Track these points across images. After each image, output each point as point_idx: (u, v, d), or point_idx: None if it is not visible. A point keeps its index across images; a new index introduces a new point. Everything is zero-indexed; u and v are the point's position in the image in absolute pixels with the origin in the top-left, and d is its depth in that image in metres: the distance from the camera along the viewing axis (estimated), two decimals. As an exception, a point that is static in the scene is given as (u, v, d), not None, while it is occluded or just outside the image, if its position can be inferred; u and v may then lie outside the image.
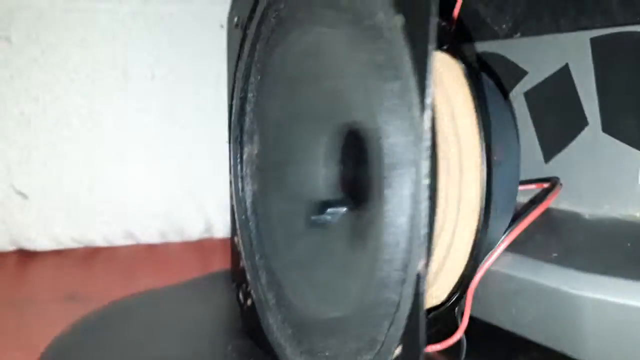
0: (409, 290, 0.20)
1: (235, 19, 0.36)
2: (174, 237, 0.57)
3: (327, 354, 0.29)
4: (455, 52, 0.24)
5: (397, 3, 0.20)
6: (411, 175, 0.21)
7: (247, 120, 0.37)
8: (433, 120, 0.19)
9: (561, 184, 0.36)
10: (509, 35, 0.40)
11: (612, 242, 0.31)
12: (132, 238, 0.55)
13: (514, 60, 0.39)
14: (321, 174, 0.33)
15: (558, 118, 0.37)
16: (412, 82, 0.20)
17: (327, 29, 0.28)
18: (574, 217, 0.35)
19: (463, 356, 0.33)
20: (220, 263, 0.52)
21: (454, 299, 0.26)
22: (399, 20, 0.20)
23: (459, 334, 0.33)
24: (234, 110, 0.37)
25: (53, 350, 0.34)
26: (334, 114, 0.30)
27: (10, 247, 0.52)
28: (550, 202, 0.34)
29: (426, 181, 0.19)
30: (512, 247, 0.32)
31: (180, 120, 0.52)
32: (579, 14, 0.35)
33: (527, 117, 0.39)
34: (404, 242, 0.21)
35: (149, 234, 0.56)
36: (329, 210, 0.32)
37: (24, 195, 0.48)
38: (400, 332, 0.21)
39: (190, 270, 0.51)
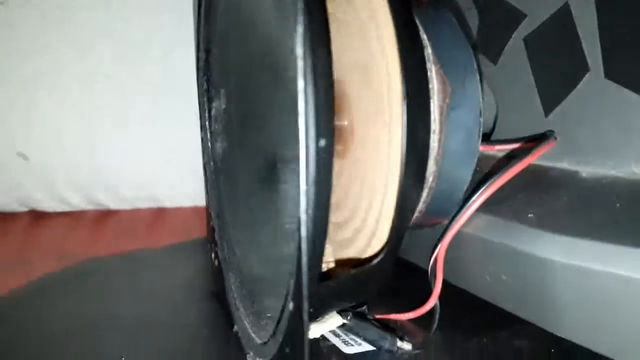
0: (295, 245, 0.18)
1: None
2: (183, 202, 0.57)
3: (269, 315, 0.27)
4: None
5: None
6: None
7: (214, 73, 0.35)
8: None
9: (556, 138, 0.32)
10: (512, -26, 0.35)
11: (600, 203, 0.27)
12: (140, 202, 0.55)
13: (513, 2, 0.35)
14: (278, 125, 0.31)
15: (558, 65, 0.33)
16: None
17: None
18: (570, 176, 0.31)
19: (435, 325, 0.31)
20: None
21: (382, 255, 0.23)
22: None
23: (431, 302, 0.30)
24: (200, 63, 0.35)
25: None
26: (276, 60, 0.27)
27: (21, 208, 0.53)
28: (536, 157, 0.30)
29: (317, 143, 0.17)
30: (487, 207, 0.29)
31: (179, 84, 0.51)
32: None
33: (527, 66, 0.35)
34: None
35: (157, 198, 0.55)
36: (279, 165, 0.29)
37: (25, 157, 0.49)
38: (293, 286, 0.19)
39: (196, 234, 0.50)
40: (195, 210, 0.60)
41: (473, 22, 0.38)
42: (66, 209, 0.55)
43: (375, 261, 0.22)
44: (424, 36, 0.24)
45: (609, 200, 0.26)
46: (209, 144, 0.36)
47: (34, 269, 0.41)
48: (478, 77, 0.25)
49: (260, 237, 0.29)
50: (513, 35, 0.35)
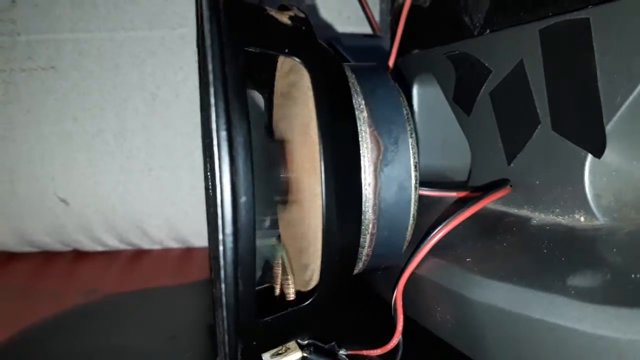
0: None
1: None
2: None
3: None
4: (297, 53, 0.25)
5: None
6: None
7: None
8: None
9: (511, 187, 0.34)
10: (481, 32, 0.38)
11: (531, 248, 0.29)
12: (170, 242, 0.61)
13: (482, 58, 0.38)
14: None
15: (517, 117, 0.35)
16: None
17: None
18: (522, 222, 0.33)
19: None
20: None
21: (315, 294, 0.26)
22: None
23: (395, 340, 0.33)
24: (202, 122, 0.40)
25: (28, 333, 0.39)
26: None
27: (64, 248, 0.60)
28: (486, 203, 0.32)
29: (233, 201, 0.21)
30: (438, 251, 0.31)
31: (198, 136, 0.57)
32: (535, 3, 0.33)
33: (493, 118, 0.37)
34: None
35: (184, 239, 0.61)
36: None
37: (65, 202, 0.56)
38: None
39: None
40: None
41: (450, 76, 0.41)
42: (103, 249, 0.61)
43: (308, 302, 0.26)
44: (361, 101, 0.28)
45: (539, 245, 0.28)
46: (210, 193, 0.41)
47: (65, 302, 0.47)
48: (411, 136, 0.28)
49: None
50: (482, 90, 0.38)
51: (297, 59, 0.25)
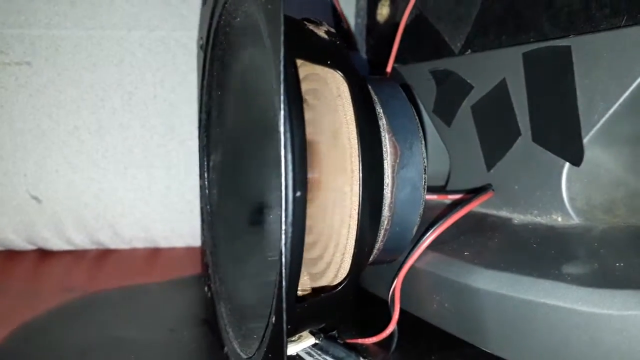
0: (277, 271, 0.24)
1: (200, 42, 0.41)
2: (177, 242, 0.62)
3: (255, 336, 0.33)
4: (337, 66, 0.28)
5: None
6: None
7: (212, 131, 0.41)
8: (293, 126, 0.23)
9: (493, 191, 0.38)
10: (462, 52, 0.43)
11: (523, 244, 0.33)
12: (138, 242, 0.61)
13: (464, 76, 0.42)
14: (267, 177, 0.37)
15: (497, 129, 0.39)
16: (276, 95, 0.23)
17: (255, 49, 0.32)
18: (504, 223, 0.37)
19: (393, 348, 0.36)
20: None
21: (345, 283, 0.29)
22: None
23: (390, 328, 0.36)
24: (201, 123, 0.42)
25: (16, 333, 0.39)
26: (267, 124, 0.34)
27: (29, 246, 0.59)
28: (475, 205, 0.36)
29: (294, 194, 0.23)
30: (435, 246, 0.35)
31: (180, 134, 0.58)
32: (517, 30, 0.38)
33: (474, 129, 0.41)
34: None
35: (153, 239, 0.61)
36: (265, 210, 0.36)
37: (37, 200, 0.55)
38: (274, 304, 0.25)
39: (188, 272, 0.56)
40: (187, 250, 0.65)
41: (431, 89, 0.46)
42: (70, 247, 0.60)
43: (339, 288, 0.28)
44: (379, 110, 0.31)
45: (528, 241, 0.33)
46: (207, 191, 0.42)
47: (42, 301, 0.46)
48: (422, 143, 0.32)
49: (249, 269, 0.34)
50: (463, 103, 0.42)
51: (339, 72, 0.27)
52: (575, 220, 0.34)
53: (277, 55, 0.22)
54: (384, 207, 0.30)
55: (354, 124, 0.27)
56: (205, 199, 0.42)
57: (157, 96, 0.57)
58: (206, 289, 0.42)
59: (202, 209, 0.43)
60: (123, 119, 0.56)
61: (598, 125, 0.32)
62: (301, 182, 0.24)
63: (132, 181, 0.57)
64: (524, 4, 0.37)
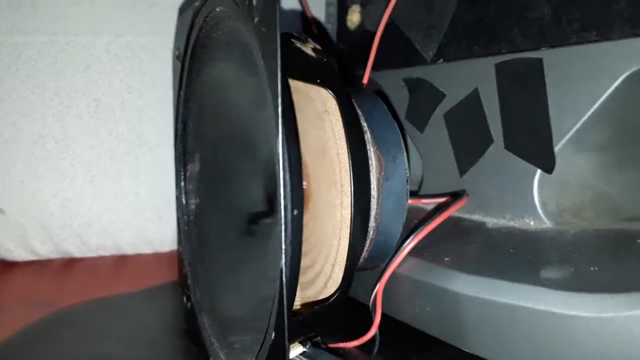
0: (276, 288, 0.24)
1: (176, 52, 0.40)
2: (144, 249, 0.62)
3: (236, 346, 0.33)
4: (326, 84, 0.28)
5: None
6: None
7: (189, 141, 0.41)
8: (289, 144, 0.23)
9: (467, 196, 0.40)
10: (434, 61, 0.44)
11: (499, 248, 0.34)
12: (105, 250, 0.60)
13: (436, 84, 0.43)
14: (251, 189, 0.37)
15: (470, 137, 0.41)
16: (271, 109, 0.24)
17: (235, 63, 0.32)
18: (479, 227, 0.39)
19: (375, 351, 0.37)
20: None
21: (336, 295, 0.29)
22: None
23: (372, 332, 0.37)
24: (177, 133, 0.42)
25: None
26: (247, 137, 0.34)
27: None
28: (452, 211, 0.37)
29: (292, 213, 0.23)
30: (415, 252, 0.36)
31: (148, 141, 0.57)
32: (489, 40, 0.39)
33: (446, 136, 0.43)
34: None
35: (120, 247, 0.60)
36: (251, 222, 0.36)
37: (1, 211, 0.53)
38: (274, 319, 0.25)
39: (159, 279, 0.55)
40: (155, 256, 0.64)
41: (404, 96, 0.47)
42: (33, 257, 0.58)
43: (331, 300, 0.29)
44: (364, 124, 0.32)
45: (505, 245, 0.34)
46: (183, 201, 0.42)
47: (10, 316, 0.45)
48: (404, 154, 0.33)
49: (240, 281, 0.34)
50: (436, 111, 0.44)
51: (329, 91, 0.28)
52: (547, 224, 0.35)
53: (274, 80, 0.23)
54: (370, 218, 0.31)
55: (343, 139, 0.28)
56: (182, 208, 0.42)
57: (125, 102, 0.56)
58: (185, 299, 0.42)
59: (178, 218, 0.43)
60: (90, 126, 0.55)
61: (569, 135, 0.34)
62: (299, 201, 0.24)
63: (99, 189, 0.56)
64: (496, 16, 0.38)
